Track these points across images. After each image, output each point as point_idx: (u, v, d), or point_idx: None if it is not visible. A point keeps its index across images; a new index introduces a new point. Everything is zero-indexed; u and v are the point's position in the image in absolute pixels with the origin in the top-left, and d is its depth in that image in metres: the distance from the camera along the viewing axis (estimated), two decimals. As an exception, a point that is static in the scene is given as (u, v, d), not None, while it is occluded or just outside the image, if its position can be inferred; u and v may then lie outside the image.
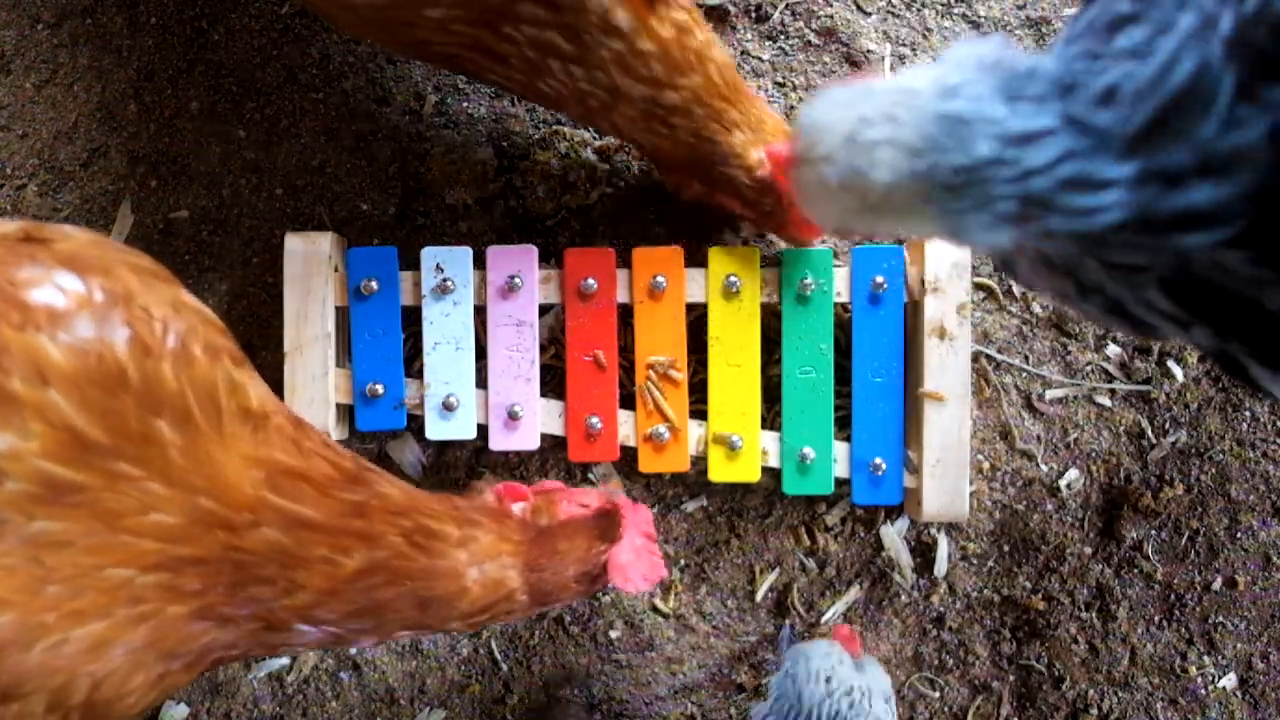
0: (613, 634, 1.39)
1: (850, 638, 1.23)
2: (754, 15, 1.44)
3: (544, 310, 1.34)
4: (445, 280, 1.30)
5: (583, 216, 1.41)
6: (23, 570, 0.76)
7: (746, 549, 1.40)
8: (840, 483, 1.33)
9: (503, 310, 1.31)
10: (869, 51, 1.43)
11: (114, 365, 0.78)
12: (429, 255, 1.31)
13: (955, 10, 1.44)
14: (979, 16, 1.44)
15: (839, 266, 1.32)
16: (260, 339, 1.40)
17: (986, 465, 1.40)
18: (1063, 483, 1.40)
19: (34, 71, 1.44)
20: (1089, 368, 1.41)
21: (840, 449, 1.32)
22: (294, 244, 1.30)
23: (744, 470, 1.31)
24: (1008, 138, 0.68)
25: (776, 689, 1.10)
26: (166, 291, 0.86)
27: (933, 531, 1.39)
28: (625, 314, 1.34)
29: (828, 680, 1.07)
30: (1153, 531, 1.39)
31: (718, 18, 1.43)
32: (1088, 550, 1.39)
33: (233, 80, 1.44)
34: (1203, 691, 1.38)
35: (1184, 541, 1.39)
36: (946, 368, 1.29)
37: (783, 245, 1.34)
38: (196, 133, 1.43)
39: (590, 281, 1.30)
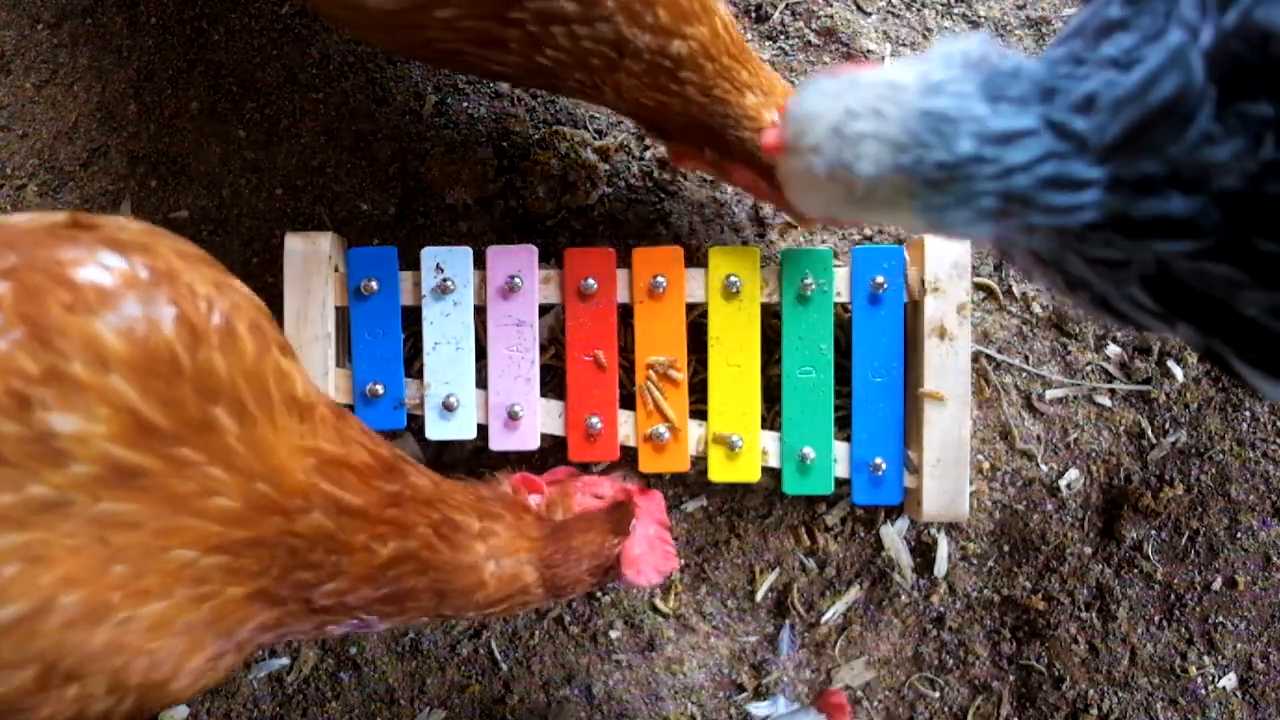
0: (613, 634, 1.39)
1: (841, 706, 1.16)
2: (754, 15, 1.44)
3: (544, 310, 1.34)
4: (445, 280, 1.30)
5: (583, 216, 1.41)
6: (89, 550, 0.77)
7: (746, 549, 1.40)
8: (840, 483, 1.33)
9: (503, 310, 1.31)
10: (869, 51, 1.43)
11: (165, 349, 0.79)
12: (429, 255, 1.31)
13: (955, 10, 1.44)
14: (979, 16, 1.44)
15: (839, 266, 1.32)
16: (260, 339, 1.40)
17: (986, 465, 1.40)
18: (1063, 483, 1.40)
19: (34, 71, 1.44)
20: (1089, 368, 1.41)
21: (840, 449, 1.32)
22: (294, 244, 1.30)
23: (744, 470, 1.31)
24: (989, 136, 0.70)
25: None
26: (209, 272, 0.88)
27: (933, 531, 1.39)
28: (625, 314, 1.34)
29: None
30: (1153, 531, 1.39)
31: (718, 18, 1.43)
32: (1088, 550, 1.39)
33: (233, 80, 1.44)
34: (1203, 691, 1.38)
35: (1184, 541, 1.39)
36: (947, 368, 1.29)
37: (783, 245, 1.35)
38: (196, 133, 1.43)
39: (590, 281, 1.30)
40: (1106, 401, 1.41)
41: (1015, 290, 1.41)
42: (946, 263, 1.29)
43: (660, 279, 1.30)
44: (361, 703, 1.39)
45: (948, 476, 1.29)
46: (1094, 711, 1.38)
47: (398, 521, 0.94)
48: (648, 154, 1.42)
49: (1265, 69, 0.65)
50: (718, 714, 1.39)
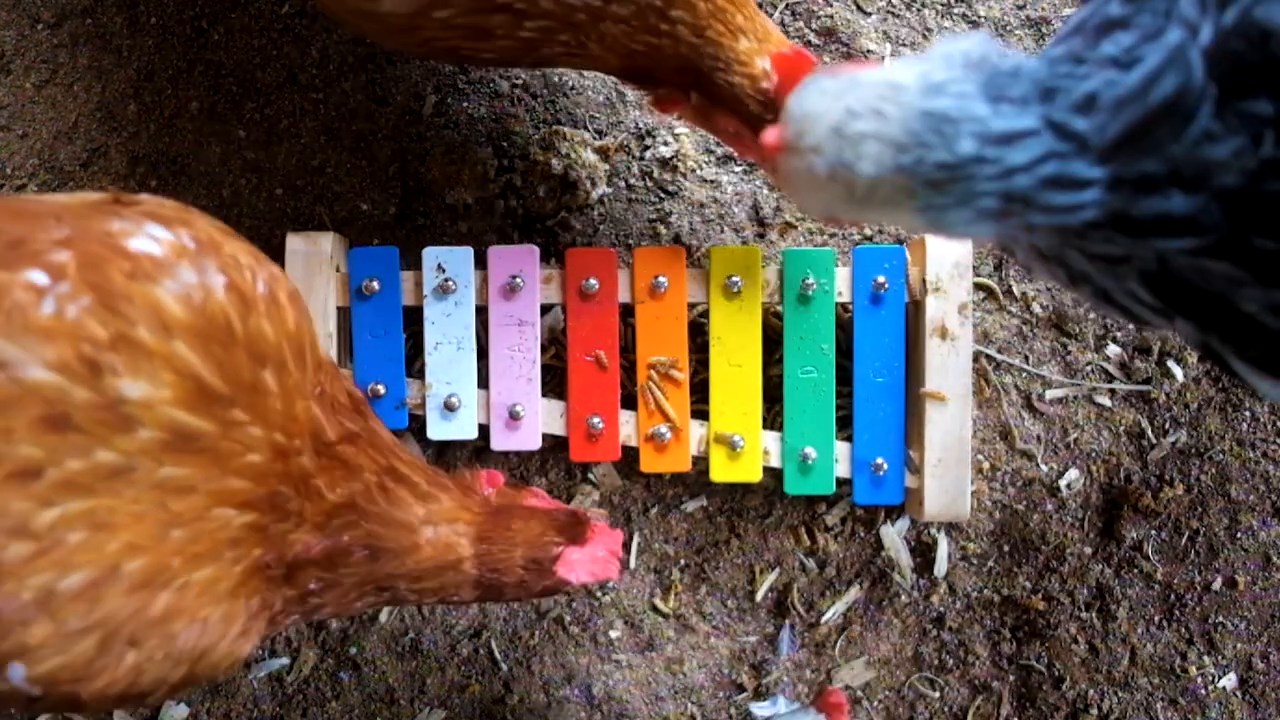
0: (613, 634, 1.39)
1: (840, 706, 1.16)
2: (754, 15, 1.44)
3: (545, 310, 1.34)
4: (446, 280, 1.30)
5: (583, 216, 1.41)
6: (151, 516, 0.78)
7: (746, 549, 1.40)
8: (841, 483, 1.33)
9: (504, 310, 1.31)
10: (869, 51, 1.43)
11: (221, 315, 0.81)
12: (430, 255, 1.31)
13: (955, 10, 1.45)
14: (979, 16, 1.44)
15: (840, 266, 1.32)
16: (260, 339, 1.40)
17: (986, 465, 1.40)
18: (1063, 483, 1.40)
19: (34, 71, 1.44)
20: (1089, 368, 1.41)
21: (842, 449, 1.32)
22: (295, 244, 1.30)
23: (745, 470, 1.31)
24: (990, 137, 0.70)
25: None
26: (245, 245, 0.90)
27: (933, 531, 1.39)
28: (626, 314, 1.34)
29: None
30: (1153, 531, 1.39)
31: (718, 18, 1.43)
32: (1088, 550, 1.40)
33: (233, 80, 1.44)
34: (1203, 691, 1.39)
35: (1184, 541, 1.40)
36: (948, 368, 1.29)
37: (784, 245, 1.35)
38: (196, 133, 1.43)
39: (591, 281, 1.30)
40: (1106, 401, 1.41)
41: (1015, 290, 1.42)
42: (948, 262, 1.29)
43: (661, 279, 1.30)
44: (361, 703, 1.38)
45: (949, 476, 1.29)
46: (1094, 711, 1.38)
47: (349, 462, 0.95)
48: (648, 154, 1.42)
49: (1265, 67, 0.65)
50: (718, 714, 1.39)
